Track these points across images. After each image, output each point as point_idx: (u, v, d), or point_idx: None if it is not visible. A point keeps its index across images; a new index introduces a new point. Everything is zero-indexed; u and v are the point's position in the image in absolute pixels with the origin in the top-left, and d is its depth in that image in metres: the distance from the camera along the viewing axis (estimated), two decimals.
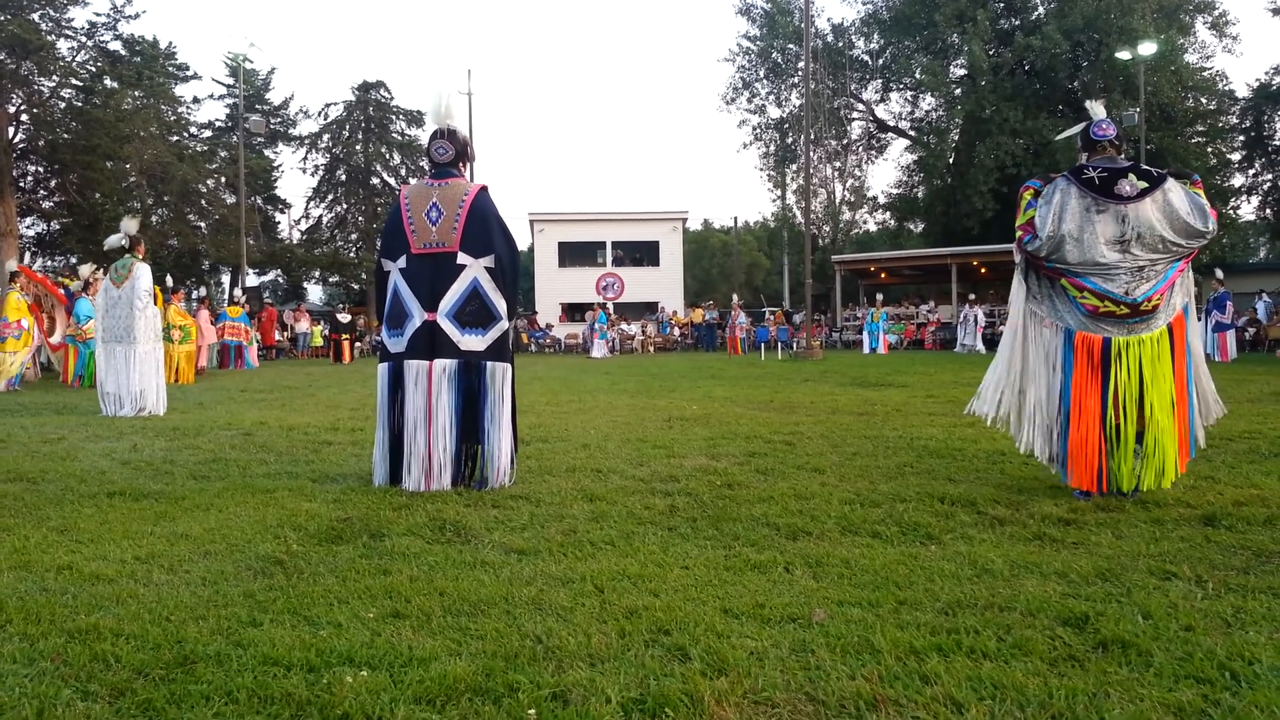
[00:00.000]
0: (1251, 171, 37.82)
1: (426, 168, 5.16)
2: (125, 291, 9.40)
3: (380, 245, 5.15)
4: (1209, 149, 37.04)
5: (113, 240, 9.58)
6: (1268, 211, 38.21)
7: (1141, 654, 2.32)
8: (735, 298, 32.04)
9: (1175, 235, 4.39)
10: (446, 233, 4.83)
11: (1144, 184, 4.43)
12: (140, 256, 9.60)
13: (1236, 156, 37.84)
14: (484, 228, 4.85)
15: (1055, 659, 2.31)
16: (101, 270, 13.75)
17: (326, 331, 29.80)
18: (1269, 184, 37.38)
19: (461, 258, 4.82)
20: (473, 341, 4.82)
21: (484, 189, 4.99)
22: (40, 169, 35.70)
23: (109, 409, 9.23)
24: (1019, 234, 4.60)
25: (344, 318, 27.33)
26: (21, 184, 34.80)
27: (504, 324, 4.90)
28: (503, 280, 4.89)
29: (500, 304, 4.88)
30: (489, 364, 4.83)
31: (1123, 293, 4.34)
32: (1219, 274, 20.02)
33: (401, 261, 4.91)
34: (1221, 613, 2.63)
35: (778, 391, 11.42)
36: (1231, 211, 38.61)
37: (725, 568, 3.22)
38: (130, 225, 9.63)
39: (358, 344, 29.00)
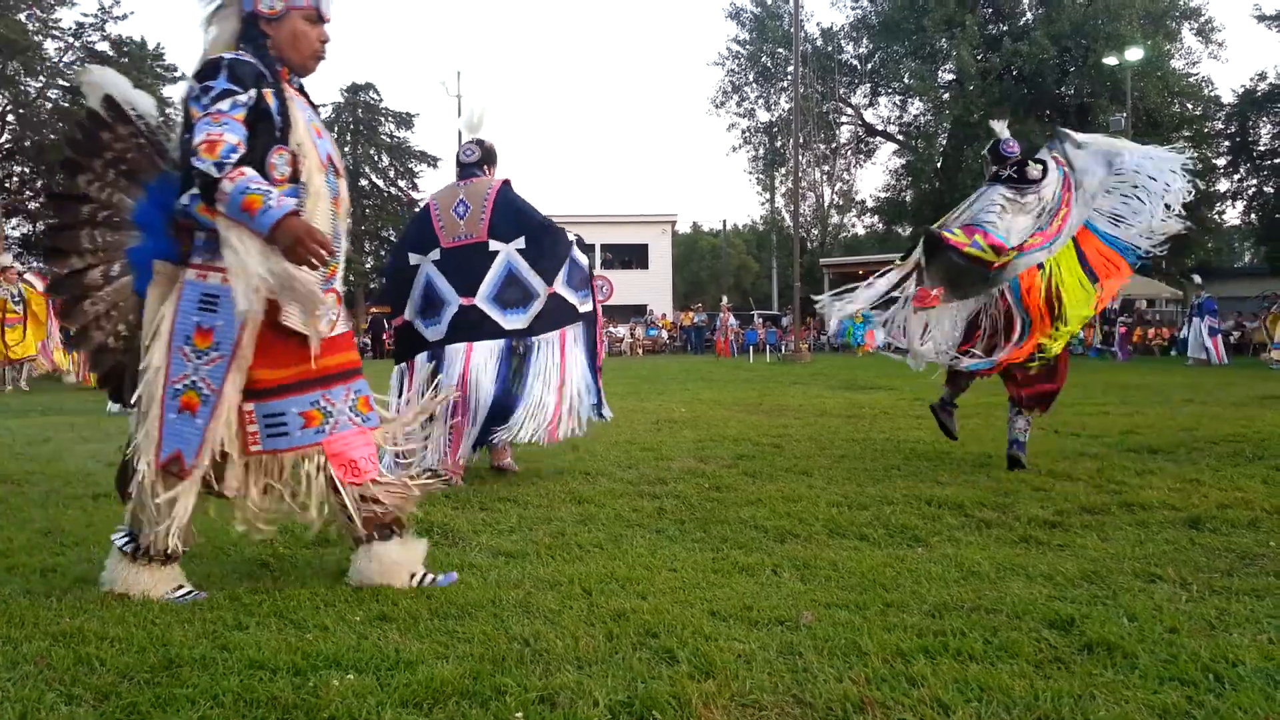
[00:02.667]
0: (1236, 177, 38.06)
1: (455, 171, 5.40)
2: None
3: (404, 242, 5.36)
4: (1195, 154, 37.15)
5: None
6: (1252, 216, 38.46)
7: (1126, 656, 2.33)
8: (725, 300, 32.08)
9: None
10: (474, 224, 5.05)
11: (1040, 166, 5.44)
12: None
13: (1222, 162, 38.07)
14: (511, 213, 5.07)
15: (1041, 661, 2.32)
16: None
17: None
18: (1253, 189, 37.63)
19: (493, 245, 5.02)
20: (516, 321, 5.01)
21: (507, 182, 5.20)
22: (26, 170, 35.49)
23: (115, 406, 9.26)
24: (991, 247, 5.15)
25: None
26: (7, 184, 34.62)
27: (542, 299, 5.05)
28: (539, 253, 5.05)
29: (537, 282, 5.05)
30: (535, 339, 5.02)
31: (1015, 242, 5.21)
32: (1197, 279, 20.25)
33: (435, 254, 5.09)
34: (1206, 615, 2.64)
35: (766, 394, 11.43)
36: (1216, 216, 38.88)
37: (713, 570, 3.22)
38: None
39: None
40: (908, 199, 41.44)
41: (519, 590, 2.96)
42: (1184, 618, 2.61)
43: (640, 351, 32.01)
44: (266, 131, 2.79)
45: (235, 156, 2.66)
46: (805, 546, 3.57)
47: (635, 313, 36.77)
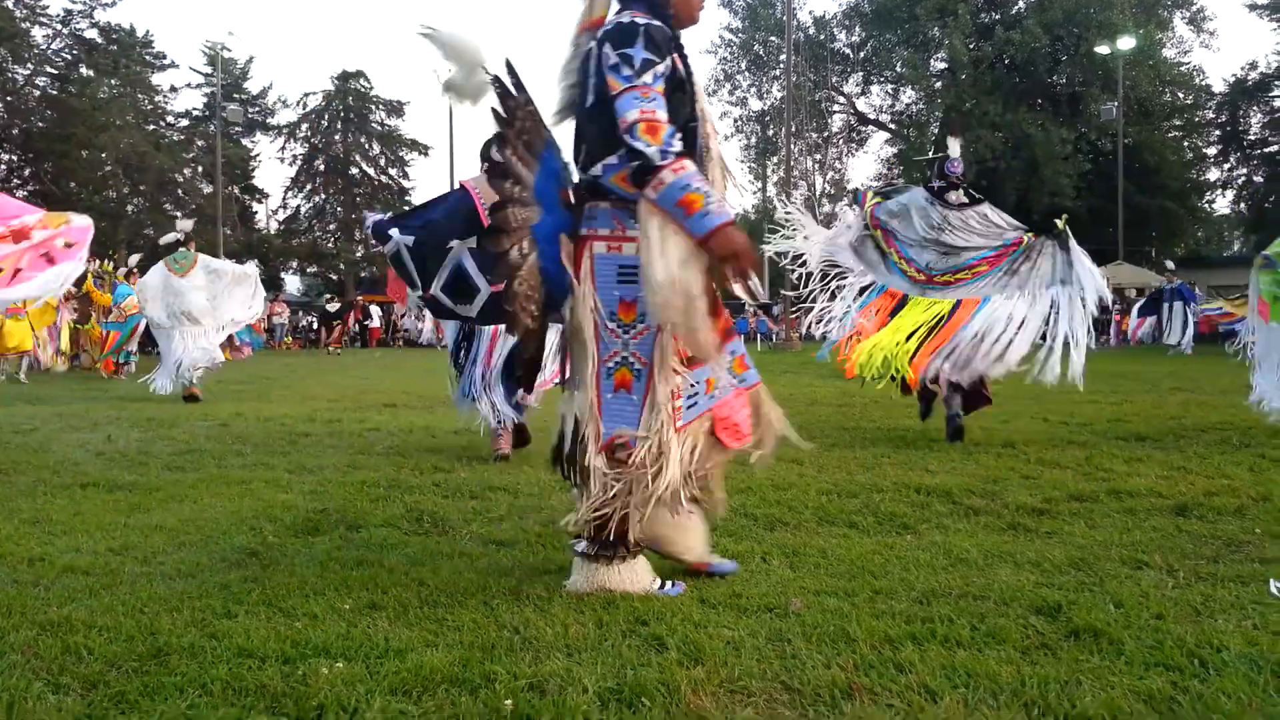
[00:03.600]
0: (1227, 166, 38.18)
1: (481, 164, 5.57)
2: (193, 279, 9.93)
3: (446, 223, 5.32)
4: (1185, 143, 37.37)
5: (169, 237, 10.34)
6: (1242, 206, 38.60)
7: (1113, 642, 2.34)
8: None
9: (980, 233, 6.07)
10: None
11: (965, 199, 6.22)
12: (193, 249, 10.32)
13: (1212, 151, 38.19)
14: None
15: (1028, 647, 2.33)
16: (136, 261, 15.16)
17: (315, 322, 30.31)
18: (1243, 178, 37.76)
19: None
20: None
21: None
22: (14, 157, 35.29)
23: (169, 384, 9.65)
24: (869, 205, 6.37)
25: (332, 306, 27.76)
26: None
27: None
28: None
29: None
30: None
31: (924, 264, 6.09)
32: (1170, 265, 20.46)
33: (471, 240, 5.39)
34: (1191, 601, 2.66)
35: None
36: (1207, 205, 39.02)
37: None
38: (186, 224, 10.69)
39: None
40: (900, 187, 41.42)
41: (509, 578, 2.96)
42: (1170, 604, 2.62)
43: None
44: (682, 100, 2.67)
45: (677, 143, 2.53)
46: (795, 534, 3.58)
47: None
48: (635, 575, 2.81)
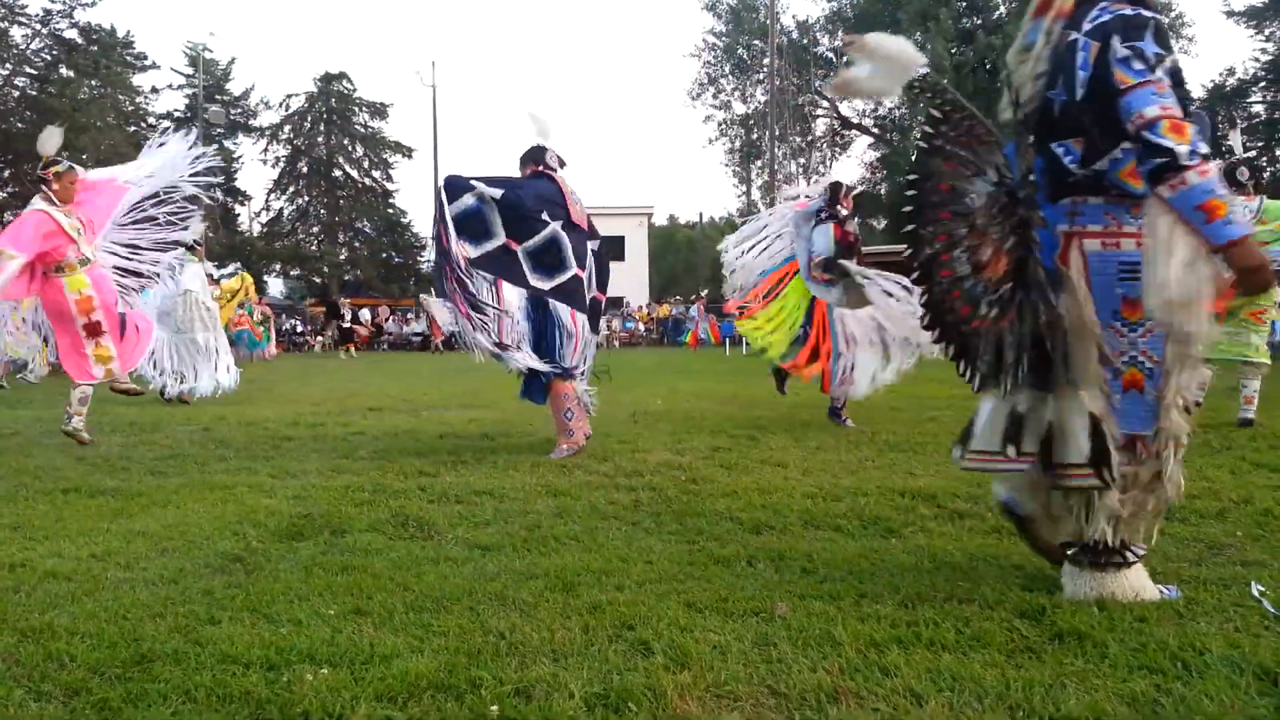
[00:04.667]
0: None
1: (525, 168, 6.02)
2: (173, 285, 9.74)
3: (534, 202, 5.74)
4: None
5: (184, 237, 9.89)
6: None
7: (1097, 645, 2.35)
8: (703, 293, 32.18)
9: None
10: (582, 215, 6.00)
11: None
12: (198, 257, 9.98)
13: None
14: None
15: (1013, 650, 2.34)
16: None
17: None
18: None
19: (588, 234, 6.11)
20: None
21: None
22: None
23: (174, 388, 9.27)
24: None
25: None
26: None
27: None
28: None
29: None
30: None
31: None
32: None
33: (561, 222, 5.81)
34: (1174, 604, 2.68)
35: (742, 386, 11.45)
36: None
37: (689, 562, 3.23)
38: (197, 227, 10.12)
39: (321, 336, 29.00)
40: (883, 192, 41.66)
41: (495, 583, 2.95)
42: (1153, 607, 2.64)
43: (617, 344, 31.99)
44: (1181, 98, 2.54)
45: (1203, 144, 2.44)
46: (780, 538, 3.58)
47: (612, 305, 36.72)
48: (1142, 581, 2.74)
